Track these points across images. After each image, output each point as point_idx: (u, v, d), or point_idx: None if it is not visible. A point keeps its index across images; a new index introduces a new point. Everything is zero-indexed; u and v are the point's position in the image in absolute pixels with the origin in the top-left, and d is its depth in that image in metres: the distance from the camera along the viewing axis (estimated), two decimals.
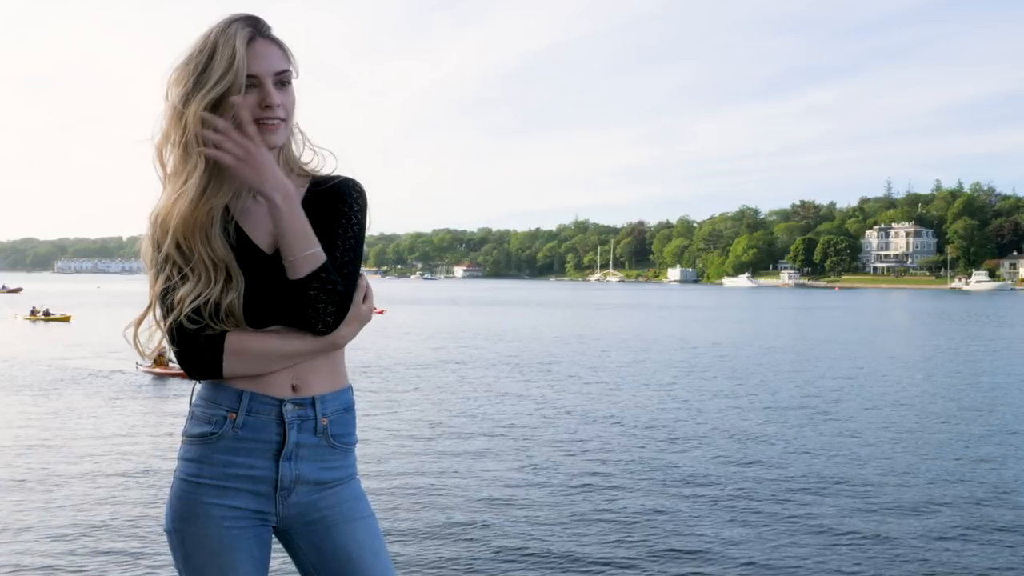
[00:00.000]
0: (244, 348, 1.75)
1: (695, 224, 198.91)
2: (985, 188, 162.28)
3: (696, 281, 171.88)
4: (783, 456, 9.59)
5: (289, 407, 1.80)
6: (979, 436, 11.05)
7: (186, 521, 1.81)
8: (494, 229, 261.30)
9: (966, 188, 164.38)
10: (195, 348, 1.75)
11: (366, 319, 1.85)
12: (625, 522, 7.07)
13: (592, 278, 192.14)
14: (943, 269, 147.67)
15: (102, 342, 21.87)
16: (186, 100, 1.70)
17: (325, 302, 1.74)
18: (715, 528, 6.94)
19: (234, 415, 1.79)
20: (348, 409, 1.90)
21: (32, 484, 8.04)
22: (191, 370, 1.77)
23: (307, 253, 1.72)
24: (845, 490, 8.08)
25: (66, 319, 33.07)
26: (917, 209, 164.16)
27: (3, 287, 76.01)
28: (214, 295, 1.73)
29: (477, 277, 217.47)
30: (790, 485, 8.27)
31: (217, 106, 1.70)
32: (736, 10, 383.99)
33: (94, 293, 63.86)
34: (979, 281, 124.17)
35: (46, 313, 34.24)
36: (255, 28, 1.75)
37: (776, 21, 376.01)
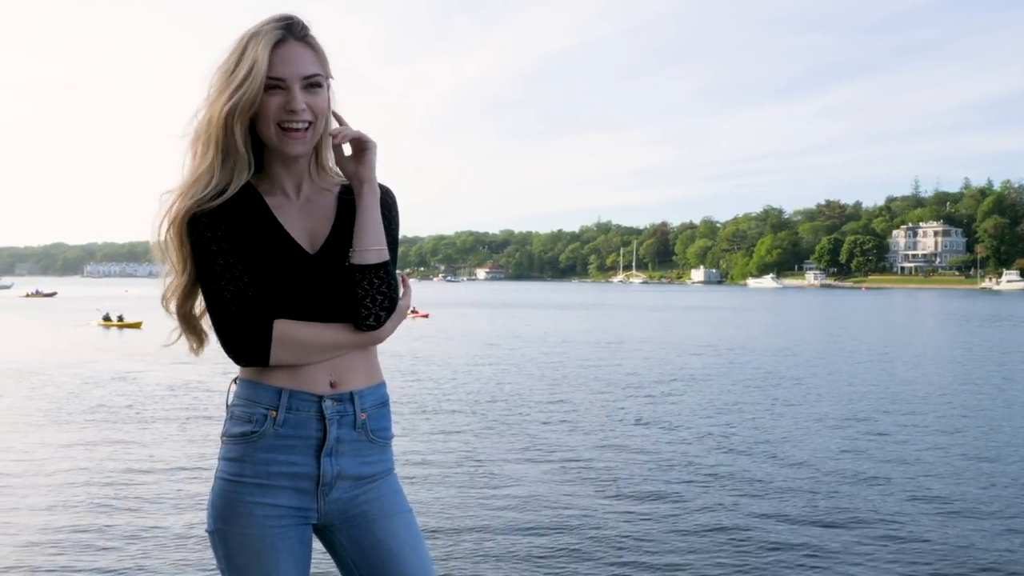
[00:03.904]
0: (291, 335, 1.77)
1: (718, 225, 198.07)
2: (1016, 186, 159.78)
3: (720, 282, 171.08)
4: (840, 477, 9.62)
5: (328, 403, 1.82)
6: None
7: (228, 521, 1.81)
8: (516, 231, 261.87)
9: (996, 186, 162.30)
10: (243, 334, 1.76)
11: (404, 315, 1.89)
12: (670, 529, 7.14)
13: (615, 279, 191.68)
14: (973, 269, 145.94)
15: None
16: (214, 99, 1.75)
17: (384, 296, 1.80)
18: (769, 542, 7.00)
19: (274, 413, 1.79)
20: (384, 403, 1.93)
21: (85, 488, 8.21)
22: (238, 356, 1.78)
23: (378, 247, 1.80)
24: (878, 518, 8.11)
25: (137, 325, 32.26)
26: (945, 208, 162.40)
27: (37, 291, 77.05)
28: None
29: (500, 279, 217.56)
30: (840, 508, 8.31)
31: (239, 107, 1.73)
32: (756, 9, 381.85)
33: (124, 297, 64.56)
34: (1010, 281, 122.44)
35: (119, 319, 33.57)
36: (288, 30, 1.75)
37: (797, 19, 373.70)
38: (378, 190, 1.84)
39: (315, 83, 1.78)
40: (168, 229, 1.78)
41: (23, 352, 22.38)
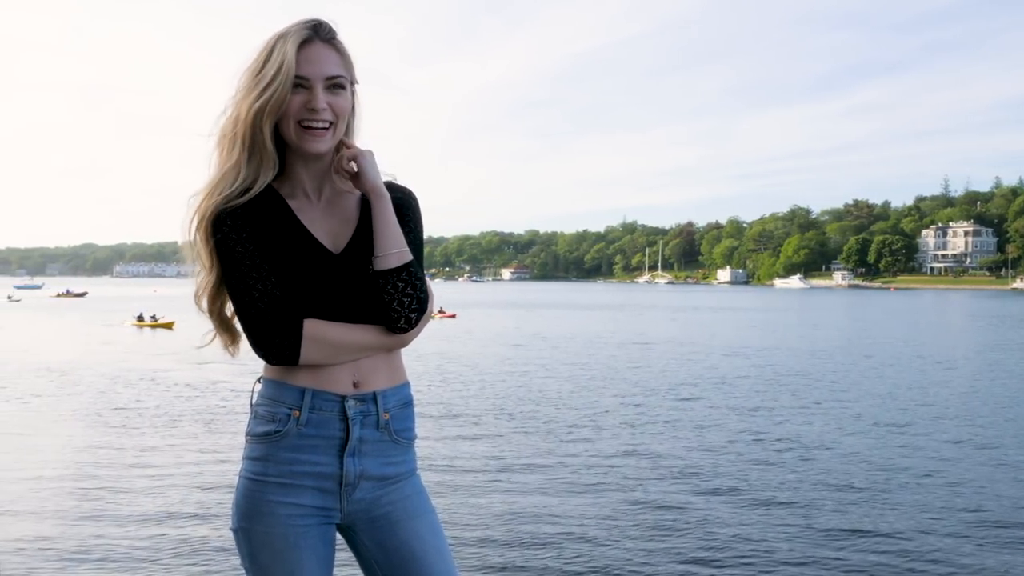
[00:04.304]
0: (321, 334, 1.78)
1: (745, 225, 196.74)
2: None
3: (746, 282, 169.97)
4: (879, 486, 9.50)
5: (351, 403, 1.82)
6: None
7: (252, 519, 1.82)
8: (541, 231, 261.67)
9: None
10: (273, 332, 1.77)
11: (428, 318, 1.89)
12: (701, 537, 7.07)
13: (640, 280, 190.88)
14: (1004, 269, 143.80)
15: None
16: (241, 98, 1.77)
17: (411, 297, 1.81)
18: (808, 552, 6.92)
19: (298, 412, 1.80)
20: (408, 404, 1.93)
21: (106, 485, 8.28)
22: (268, 354, 1.79)
23: (399, 250, 1.81)
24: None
25: (169, 326, 32.48)
26: (976, 207, 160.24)
27: (68, 291, 78.07)
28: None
29: (525, 279, 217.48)
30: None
31: (268, 106, 1.75)
32: (783, 8, 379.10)
33: (153, 297, 65.24)
34: None
35: (152, 319, 33.84)
36: (314, 31, 1.78)
37: (824, 18, 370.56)
38: (386, 194, 1.84)
39: (338, 84, 1.79)
40: (196, 227, 1.79)
41: (57, 352, 22.65)
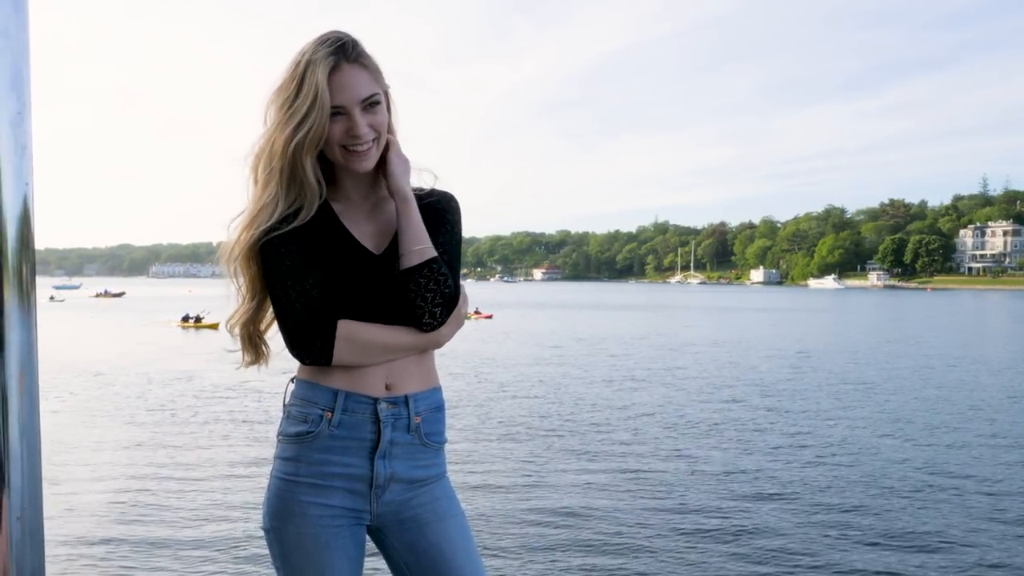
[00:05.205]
0: (355, 335, 1.79)
1: (778, 224, 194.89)
2: None
3: (780, 283, 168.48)
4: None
5: (383, 405, 1.83)
6: None
7: (284, 520, 1.83)
8: (573, 231, 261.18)
9: None
10: (308, 332, 1.78)
11: (461, 321, 1.90)
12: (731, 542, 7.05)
13: (673, 280, 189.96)
14: None
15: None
16: (276, 131, 1.76)
17: (435, 292, 1.81)
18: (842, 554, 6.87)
19: (330, 414, 1.81)
20: (439, 408, 1.94)
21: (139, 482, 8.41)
22: (302, 354, 1.81)
23: (420, 247, 1.81)
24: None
25: (214, 327, 32.50)
26: (1015, 207, 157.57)
27: (106, 292, 79.22)
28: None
29: (556, 279, 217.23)
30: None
31: (306, 143, 1.75)
32: (817, 5, 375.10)
33: (187, 297, 66.00)
34: None
35: (196, 320, 34.12)
36: (341, 54, 1.75)
37: (859, 15, 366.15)
38: (411, 197, 1.85)
39: (373, 102, 1.79)
40: (236, 259, 1.81)
41: (107, 351, 22.99)
